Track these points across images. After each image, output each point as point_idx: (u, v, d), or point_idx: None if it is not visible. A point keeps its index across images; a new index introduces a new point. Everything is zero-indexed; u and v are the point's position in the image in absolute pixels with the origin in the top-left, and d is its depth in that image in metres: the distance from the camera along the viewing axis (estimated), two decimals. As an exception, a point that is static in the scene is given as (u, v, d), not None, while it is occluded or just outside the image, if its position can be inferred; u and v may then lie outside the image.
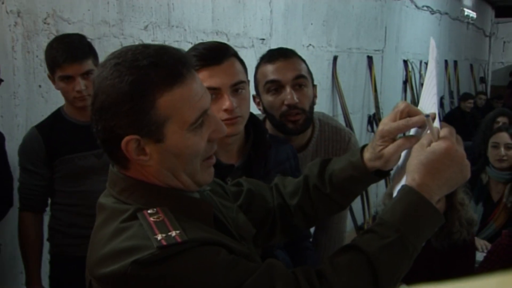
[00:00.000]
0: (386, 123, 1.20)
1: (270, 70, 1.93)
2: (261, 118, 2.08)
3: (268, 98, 1.95)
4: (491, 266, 2.44)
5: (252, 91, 2.03)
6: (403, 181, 1.16)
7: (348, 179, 1.27)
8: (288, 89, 1.90)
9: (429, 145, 1.10)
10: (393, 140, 1.20)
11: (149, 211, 1.02)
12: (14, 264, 2.51)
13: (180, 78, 1.03)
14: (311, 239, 2.02)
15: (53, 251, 2.42)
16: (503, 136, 3.33)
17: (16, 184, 2.37)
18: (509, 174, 3.32)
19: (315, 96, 2.03)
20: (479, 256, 2.78)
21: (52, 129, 2.31)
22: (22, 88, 2.48)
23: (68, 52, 2.20)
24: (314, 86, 2.03)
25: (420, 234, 1.07)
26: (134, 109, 1.01)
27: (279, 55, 1.95)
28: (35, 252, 2.36)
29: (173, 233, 0.97)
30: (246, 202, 1.32)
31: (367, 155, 1.24)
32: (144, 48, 1.04)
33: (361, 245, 1.07)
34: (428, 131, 1.13)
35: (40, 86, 2.56)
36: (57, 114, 2.37)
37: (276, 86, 1.92)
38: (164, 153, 1.05)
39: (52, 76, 2.27)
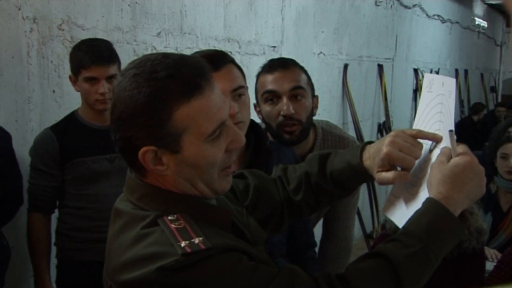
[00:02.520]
0: (392, 151, 1.18)
1: (268, 80, 1.94)
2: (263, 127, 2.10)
3: (266, 108, 1.96)
4: (502, 275, 2.43)
5: (254, 100, 2.05)
6: (422, 193, 1.19)
7: (349, 179, 1.30)
8: (284, 100, 1.91)
9: (448, 161, 1.13)
10: (392, 167, 1.20)
11: (169, 218, 1.03)
12: (26, 267, 2.53)
13: (198, 90, 1.03)
14: (316, 248, 2.01)
15: (60, 255, 2.42)
16: None
17: (25, 185, 2.38)
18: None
19: (315, 107, 2.03)
20: (489, 266, 2.77)
21: (66, 131, 2.34)
22: (36, 93, 2.51)
23: (97, 54, 2.25)
24: (315, 97, 2.03)
25: (442, 246, 1.10)
26: (151, 121, 1.01)
27: (278, 66, 1.96)
28: (44, 253, 2.37)
29: (196, 240, 0.98)
30: (253, 200, 1.33)
31: (367, 162, 1.24)
32: (164, 59, 1.04)
33: (385, 252, 1.08)
34: (438, 148, 1.18)
35: (54, 91, 2.59)
36: (71, 117, 2.39)
37: (273, 97, 1.93)
38: (181, 164, 1.05)
39: (75, 77, 2.30)
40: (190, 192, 1.08)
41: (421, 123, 1.27)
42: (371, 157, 1.24)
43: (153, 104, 1.00)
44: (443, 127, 1.20)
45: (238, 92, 1.57)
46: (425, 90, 1.29)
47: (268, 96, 1.94)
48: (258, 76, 2.00)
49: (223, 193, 1.15)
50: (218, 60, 1.55)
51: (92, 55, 2.24)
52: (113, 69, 2.29)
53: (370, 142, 1.29)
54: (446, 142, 1.18)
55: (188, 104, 1.02)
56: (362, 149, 1.27)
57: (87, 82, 2.26)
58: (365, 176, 1.27)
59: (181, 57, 1.06)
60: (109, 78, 2.27)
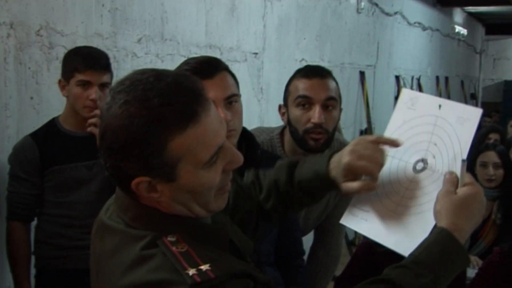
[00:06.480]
0: (352, 160, 1.19)
1: (304, 85, 1.96)
2: (279, 130, 2.11)
3: (296, 112, 1.96)
4: (482, 283, 2.44)
5: (274, 99, 2.04)
6: (414, 216, 1.18)
7: (317, 188, 1.29)
8: (317, 108, 1.92)
9: (455, 191, 1.14)
10: (355, 176, 1.21)
11: (169, 239, 0.98)
12: (3, 277, 2.48)
13: (194, 118, 0.97)
14: (304, 257, 2.01)
15: (39, 264, 2.39)
16: (491, 155, 3.32)
17: (3, 193, 2.33)
18: (497, 191, 3.32)
19: (339, 119, 2.05)
20: (470, 273, 2.77)
21: (46, 139, 2.31)
22: (14, 99, 2.47)
23: (94, 60, 2.25)
24: (340, 110, 2.05)
25: (449, 277, 1.11)
26: (145, 152, 0.96)
27: (317, 73, 1.98)
28: (24, 261, 2.33)
29: (204, 268, 0.94)
30: (233, 205, 1.30)
31: (333, 172, 1.24)
32: (156, 82, 0.97)
33: (395, 280, 1.07)
34: (431, 171, 1.19)
35: (31, 97, 2.55)
36: (51, 125, 2.36)
37: (306, 102, 1.94)
38: (176, 191, 1.01)
39: (66, 81, 2.27)
40: (184, 214, 1.04)
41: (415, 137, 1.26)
42: (335, 167, 1.23)
43: (146, 136, 0.95)
44: (438, 150, 1.19)
45: (230, 100, 1.56)
46: (404, 105, 1.28)
47: (301, 101, 1.95)
48: (292, 78, 2.02)
49: (218, 211, 1.11)
50: (211, 67, 1.54)
51: (89, 60, 2.23)
52: (106, 77, 2.28)
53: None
54: (442, 166, 1.18)
55: (184, 133, 0.96)
56: (330, 158, 1.26)
57: (79, 86, 2.24)
58: (334, 186, 1.25)
59: (175, 80, 0.99)
60: (102, 86, 2.26)
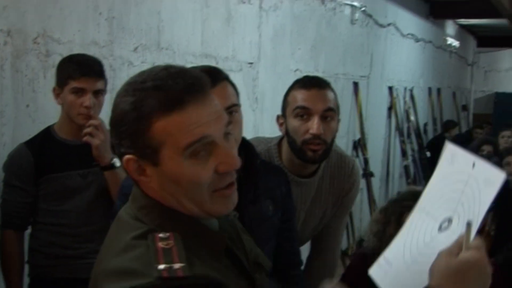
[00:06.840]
0: None
1: (302, 96, 1.95)
2: (277, 140, 2.11)
3: (294, 122, 1.96)
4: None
5: (269, 109, 2.04)
6: (420, 275, 1.16)
7: None
8: (316, 119, 1.92)
9: (458, 253, 1.07)
10: None
11: (161, 235, 1.01)
12: (-5, 285, 2.46)
13: (180, 104, 1.01)
14: (302, 267, 2.01)
15: (33, 273, 2.38)
16: None
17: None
18: (491, 203, 3.33)
19: (336, 130, 2.05)
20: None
21: (41, 147, 2.30)
22: (10, 107, 2.46)
23: (88, 67, 2.24)
24: (338, 120, 2.05)
25: None
26: (131, 130, 1.02)
27: (315, 84, 1.99)
28: (17, 271, 2.32)
29: (176, 266, 0.95)
30: None
31: None
32: (162, 70, 1.04)
33: None
34: (450, 231, 1.15)
35: (28, 105, 2.54)
36: (47, 133, 2.35)
37: (304, 113, 1.94)
38: (162, 177, 1.04)
39: (60, 89, 2.26)
40: (178, 209, 1.06)
41: (433, 195, 1.23)
42: None
43: (133, 114, 1.01)
44: (463, 211, 1.16)
45: (230, 110, 1.56)
46: (445, 161, 1.24)
47: (299, 112, 1.95)
48: (291, 89, 2.01)
49: (218, 216, 1.12)
50: (212, 76, 1.52)
51: (83, 67, 2.23)
52: (100, 84, 2.27)
53: None
54: (462, 228, 1.13)
55: (168, 118, 1.00)
56: None
57: (73, 93, 2.23)
58: None
59: (179, 70, 1.05)
60: (96, 93, 2.25)
